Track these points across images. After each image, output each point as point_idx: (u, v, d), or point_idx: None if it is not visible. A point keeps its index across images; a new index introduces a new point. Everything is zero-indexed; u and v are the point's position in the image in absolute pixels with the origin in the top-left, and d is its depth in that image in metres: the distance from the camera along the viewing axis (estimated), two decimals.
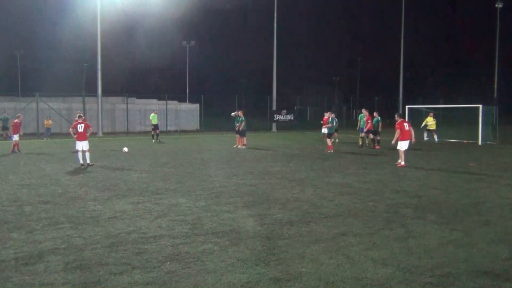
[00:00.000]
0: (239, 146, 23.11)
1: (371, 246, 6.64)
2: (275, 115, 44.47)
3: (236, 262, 5.96)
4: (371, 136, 23.33)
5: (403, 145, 15.68)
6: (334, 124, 23.00)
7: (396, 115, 16.70)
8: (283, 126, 44.67)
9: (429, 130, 28.16)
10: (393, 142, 16.00)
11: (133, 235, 7.16)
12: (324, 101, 54.21)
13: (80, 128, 16.14)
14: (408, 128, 15.75)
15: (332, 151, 20.70)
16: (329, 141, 21.59)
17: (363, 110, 24.12)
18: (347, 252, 6.36)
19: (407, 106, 31.47)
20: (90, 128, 16.60)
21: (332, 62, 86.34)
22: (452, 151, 21.50)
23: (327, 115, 23.42)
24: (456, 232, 7.36)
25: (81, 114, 17.04)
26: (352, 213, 8.70)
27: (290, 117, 45.33)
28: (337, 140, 26.07)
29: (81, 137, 16.03)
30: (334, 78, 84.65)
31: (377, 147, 22.80)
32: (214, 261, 5.98)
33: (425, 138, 27.85)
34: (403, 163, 15.56)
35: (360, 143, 23.81)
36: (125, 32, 60.99)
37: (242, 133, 23.27)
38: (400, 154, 15.74)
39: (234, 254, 6.27)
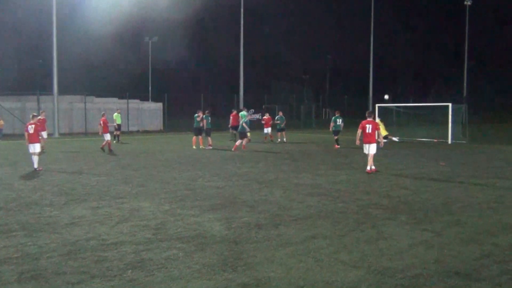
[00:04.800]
0: (205, 147, 23.06)
1: (342, 248, 6.72)
2: None
3: (202, 268, 5.93)
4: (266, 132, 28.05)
5: (365, 149, 14.58)
6: (246, 124, 23.53)
7: (366, 113, 15.43)
8: (251, 126, 44.74)
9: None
10: (356, 142, 15.00)
11: (92, 242, 7.03)
12: (293, 99, 54.61)
13: (31, 129, 15.51)
14: (370, 131, 14.40)
15: (240, 149, 21.99)
16: (245, 140, 22.86)
17: (336, 112, 25.26)
18: (317, 255, 6.42)
19: (377, 105, 32.07)
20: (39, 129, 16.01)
21: (301, 60, 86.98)
22: (422, 151, 22.02)
23: (266, 116, 28.26)
24: (427, 233, 7.53)
25: (35, 114, 16.53)
26: (322, 215, 8.79)
27: (258, 116, 45.48)
28: (284, 139, 28.19)
29: (32, 139, 15.43)
30: (304, 76, 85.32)
31: (337, 146, 23.73)
32: (179, 268, 5.93)
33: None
34: (368, 168, 14.48)
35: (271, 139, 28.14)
36: (83, 27, 59.70)
37: (207, 133, 23.33)
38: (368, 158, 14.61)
39: (200, 259, 6.24)
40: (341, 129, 24.29)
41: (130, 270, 5.84)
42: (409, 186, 12.07)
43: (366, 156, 14.69)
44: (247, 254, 6.47)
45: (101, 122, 22.84)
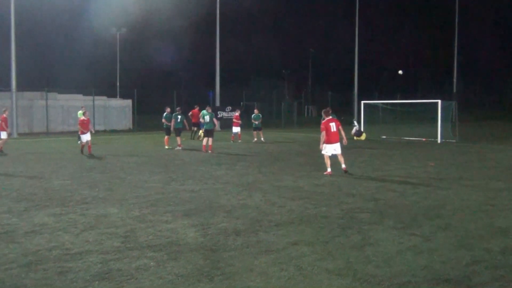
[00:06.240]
0: (172, 147, 23.01)
1: (325, 255, 6.76)
2: (218, 112, 44.44)
3: (175, 278, 5.90)
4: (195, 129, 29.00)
5: (328, 149, 14.32)
6: (211, 121, 22.18)
7: (322, 112, 15.00)
8: (228, 124, 44.74)
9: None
10: (320, 147, 14.55)
11: (55, 252, 6.93)
12: (273, 96, 54.73)
13: None
14: (335, 129, 14.27)
15: (206, 151, 21.30)
16: (204, 141, 21.84)
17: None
18: (300, 263, 6.44)
19: (362, 102, 32.42)
20: None
21: (282, 54, 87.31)
22: (410, 150, 22.29)
23: (237, 114, 29.27)
24: (415, 238, 7.63)
25: None
26: (305, 219, 8.83)
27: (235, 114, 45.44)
28: (262, 139, 27.70)
29: None
30: (284, 71, 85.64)
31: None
32: (150, 279, 5.89)
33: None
34: (329, 169, 14.35)
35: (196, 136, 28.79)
36: (44, 16, 58.94)
37: (176, 133, 23.27)
38: (325, 159, 14.47)
39: (173, 269, 6.21)
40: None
41: (96, 282, 5.78)
42: (396, 188, 12.20)
43: (335, 158, 14.51)
44: (224, 262, 6.46)
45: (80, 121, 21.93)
